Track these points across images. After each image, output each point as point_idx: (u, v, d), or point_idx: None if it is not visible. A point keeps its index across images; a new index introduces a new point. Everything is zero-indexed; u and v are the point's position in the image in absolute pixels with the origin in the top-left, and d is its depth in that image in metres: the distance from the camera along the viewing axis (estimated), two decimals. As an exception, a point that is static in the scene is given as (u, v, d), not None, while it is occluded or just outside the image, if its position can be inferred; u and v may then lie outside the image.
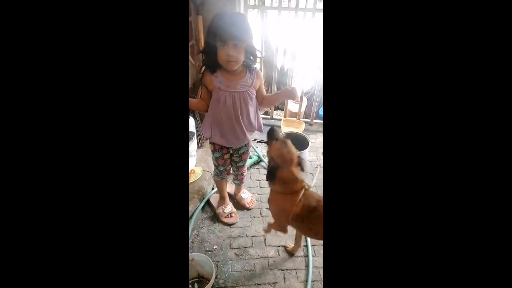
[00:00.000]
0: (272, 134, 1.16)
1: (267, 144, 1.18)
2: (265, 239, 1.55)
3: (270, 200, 1.24)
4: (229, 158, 1.50)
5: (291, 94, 1.26)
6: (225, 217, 1.63)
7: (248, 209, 1.72)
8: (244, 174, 1.64)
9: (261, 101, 1.33)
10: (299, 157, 1.14)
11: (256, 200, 1.78)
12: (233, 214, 1.64)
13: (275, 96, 1.39)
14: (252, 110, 1.28)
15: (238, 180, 1.67)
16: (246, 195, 1.75)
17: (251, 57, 1.20)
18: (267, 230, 1.37)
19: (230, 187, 1.78)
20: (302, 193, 1.13)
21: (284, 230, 1.27)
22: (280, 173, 1.09)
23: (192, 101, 1.27)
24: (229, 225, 1.61)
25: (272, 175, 1.10)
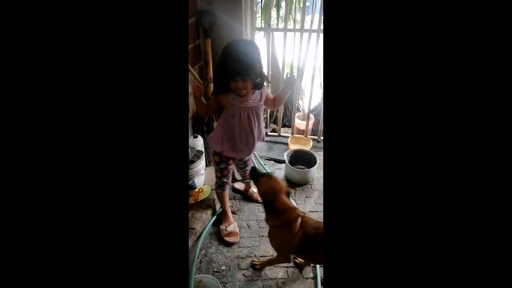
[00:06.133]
0: (255, 173, 1.32)
1: (254, 182, 1.30)
2: (273, 259, 1.52)
3: (270, 236, 1.30)
4: (232, 168, 1.61)
5: (291, 81, 1.38)
6: (226, 234, 1.63)
7: (259, 202, 1.80)
8: None
9: (273, 102, 1.44)
10: (287, 186, 1.26)
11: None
12: (234, 234, 1.64)
13: (282, 91, 1.42)
14: (261, 122, 1.43)
15: (247, 179, 1.79)
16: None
17: (259, 81, 1.30)
18: (261, 266, 1.45)
19: (240, 185, 1.94)
20: (299, 222, 1.16)
21: (288, 260, 1.35)
22: (275, 205, 1.17)
23: (201, 102, 1.34)
24: (230, 244, 1.60)
25: (268, 207, 1.19)
